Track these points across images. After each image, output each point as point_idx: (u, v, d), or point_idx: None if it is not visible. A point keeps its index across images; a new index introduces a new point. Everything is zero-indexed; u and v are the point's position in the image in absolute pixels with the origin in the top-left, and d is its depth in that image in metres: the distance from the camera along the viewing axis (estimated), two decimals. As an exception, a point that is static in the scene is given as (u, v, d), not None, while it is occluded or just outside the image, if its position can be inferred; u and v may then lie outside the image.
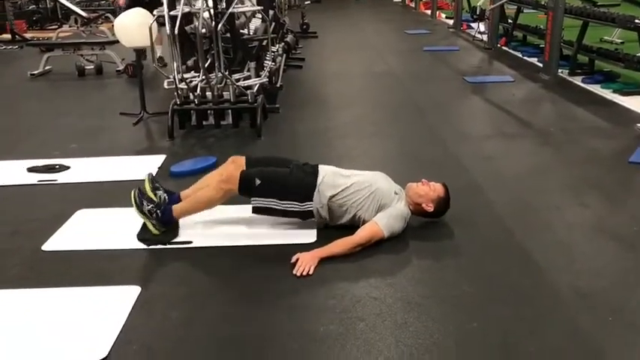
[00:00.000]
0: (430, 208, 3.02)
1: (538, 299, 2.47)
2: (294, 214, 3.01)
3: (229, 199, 3.05)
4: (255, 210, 3.00)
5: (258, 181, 2.94)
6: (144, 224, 3.02)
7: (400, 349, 2.15)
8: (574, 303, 2.43)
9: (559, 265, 2.72)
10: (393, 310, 2.39)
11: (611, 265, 2.74)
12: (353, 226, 2.97)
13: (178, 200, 3.10)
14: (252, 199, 2.98)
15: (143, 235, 3.00)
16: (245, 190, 2.96)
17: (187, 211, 3.04)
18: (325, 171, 3.06)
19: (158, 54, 6.80)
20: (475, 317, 2.34)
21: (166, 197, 3.08)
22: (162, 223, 2.99)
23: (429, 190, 3.03)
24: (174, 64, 4.62)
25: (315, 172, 3.04)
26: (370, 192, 2.97)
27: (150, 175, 3.16)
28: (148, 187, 3.07)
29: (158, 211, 2.98)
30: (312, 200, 2.96)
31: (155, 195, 3.05)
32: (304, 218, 3.03)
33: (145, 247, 2.94)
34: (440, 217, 3.10)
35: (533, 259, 2.77)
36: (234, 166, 3.10)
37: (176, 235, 3.02)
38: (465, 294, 2.51)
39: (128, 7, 6.48)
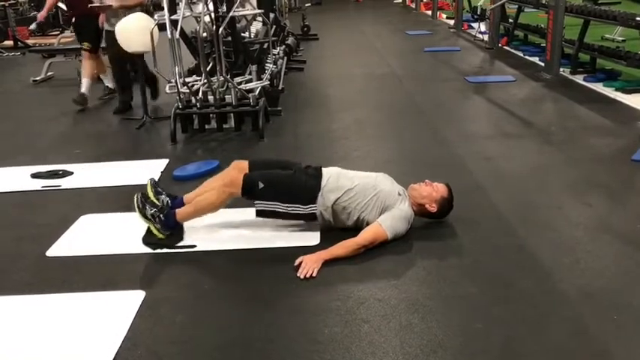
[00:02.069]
0: (433, 208, 3.02)
1: (542, 299, 2.46)
2: (298, 217, 3.01)
3: (232, 202, 3.06)
4: (259, 213, 3.01)
5: (261, 185, 2.95)
6: (148, 229, 3.03)
7: (405, 351, 2.15)
8: (578, 302, 2.43)
9: (563, 265, 2.72)
10: (397, 312, 2.39)
11: (615, 264, 2.73)
12: (357, 228, 2.97)
13: (181, 204, 3.10)
14: (255, 202, 2.99)
15: (148, 239, 3.01)
16: (248, 193, 2.97)
17: (190, 215, 3.04)
18: (329, 173, 3.06)
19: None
20: (479, 318, 2.34)
21: (169, 201, 3.08)
22: (165, 227, 2.99)
23: (432, 191, 3.03)
24: (176, 69, 4.63)
25: (318, 175, 3.05)
26: (374, 194, 2.97)
27: (152, 179, 3.17)
28: (150, 191, 3.08)
29: (161, 215, 2.98)
30: (315, 203, 2.97)
31: (158, 199, 3.06)
32: (308, 220, 3.03)
33: (149, 251, 2.95)
34: (443, 218, 3.10)
35: (537, 259, 2.77)
36: (237, 170, 3.10)
37: (181, 238, 3.03)
38: (470, 294, 2.51)
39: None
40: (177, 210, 3.03)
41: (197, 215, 3.05)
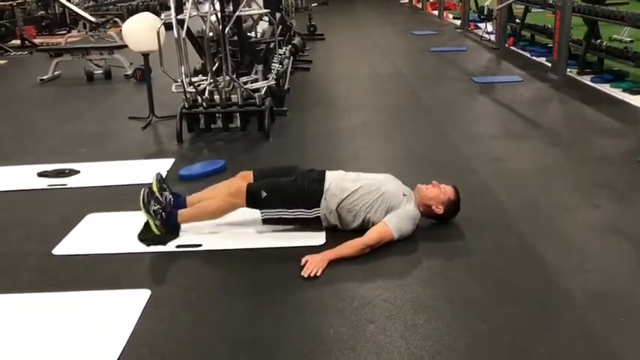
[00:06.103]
0: (440, 210, 3.01)
1: (548, 300, 2.45)
2: (305, 221, 3.03)
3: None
4: (266, 221, 3.04)
5: (264, 194, 2.98)
6: (146, 224, 3.06)
7: (410, 352, 2.14)
8: (585, 304, 2.41)
9: (570, 266, 2.70)
10: (402, 312, 2.38)
11: (622, 265, 2.72)
12: (363, 229, 2.96)
13: (184, 205, 3.13)
14: (261, 211, 3.01)
15: (144, 235, 3.04)
16: (252, 202, 3.00)
17: (192, 218, 3.07)
18: (332, 177, 3.06)
19: None
20: (485, 319, 2.33)
21: (172, 199, 3.11)
22: (165, 225, 3.02)
23: (439, 192, 3.02)
24: (182, 68, 4.64)
25: (321, 179, 3.05)
26: (378, 194, 2.97)
27: (159, 174, 3.20)
28: (155, 186, 3.11)
29: (164, 213, 3.01)
30: (319, 207, 2.97)
31: (161, 195, 3.08)
32: (315, 224, 3.04)
33: (154, 250, 2.96)
34: (450, 220, 3.09)
35: (544, 260, 2.76)
36: (243, 180, 3.13)
37: (177, 235, 3.05)
38: (475, 295, 2.50)
39: None
40: (179, 211, 3.06)
41: (198, 220, 3.08)
